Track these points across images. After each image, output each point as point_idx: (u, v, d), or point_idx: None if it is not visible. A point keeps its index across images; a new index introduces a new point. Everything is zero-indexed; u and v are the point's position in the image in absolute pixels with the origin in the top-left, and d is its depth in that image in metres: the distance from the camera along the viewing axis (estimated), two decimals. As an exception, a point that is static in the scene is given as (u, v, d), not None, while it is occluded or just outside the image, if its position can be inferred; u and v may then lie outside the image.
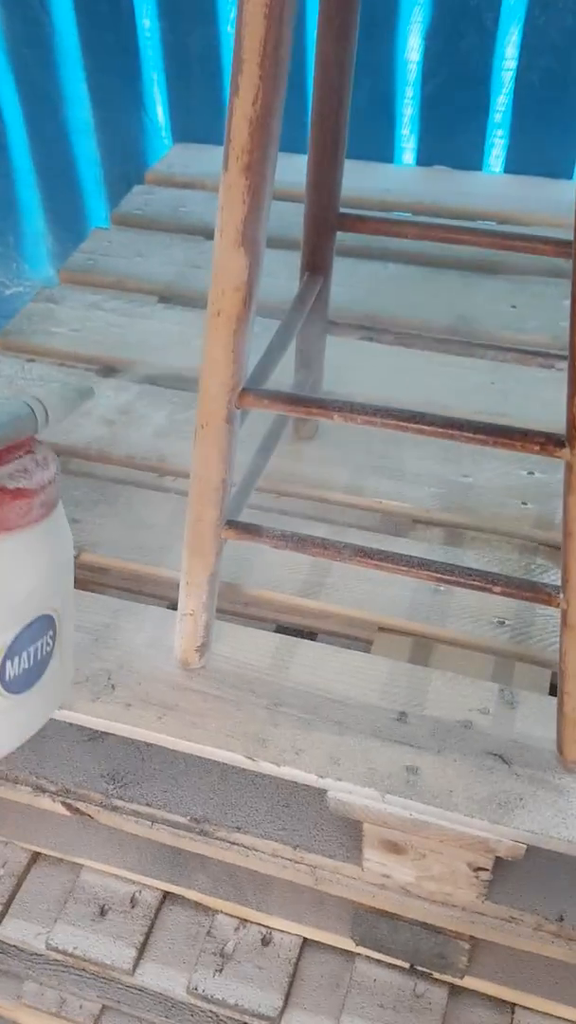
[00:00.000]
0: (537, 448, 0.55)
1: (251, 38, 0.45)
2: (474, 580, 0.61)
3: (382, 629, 0.80)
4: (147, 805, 0.79)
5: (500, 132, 1.34)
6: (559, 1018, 0.79)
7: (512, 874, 0.73)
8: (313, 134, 0.71)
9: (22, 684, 0.60)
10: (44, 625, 0.60)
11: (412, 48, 1.28)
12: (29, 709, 0.63)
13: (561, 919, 0.72)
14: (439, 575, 0.62)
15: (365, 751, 0.70)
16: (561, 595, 0.60)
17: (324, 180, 0.73)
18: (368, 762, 0.69)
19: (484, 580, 0.62)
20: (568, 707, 0.65)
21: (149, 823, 0.79)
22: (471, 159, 1.38)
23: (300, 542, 0.64)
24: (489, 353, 0.80)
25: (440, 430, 0.57)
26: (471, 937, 0.77)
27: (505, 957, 0.79)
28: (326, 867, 0.76)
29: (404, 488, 0.91)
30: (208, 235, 1.29)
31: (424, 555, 0.83)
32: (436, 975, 0.82)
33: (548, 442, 0.54)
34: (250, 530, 0.65)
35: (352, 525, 0.89)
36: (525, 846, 0.66)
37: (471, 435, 0.57)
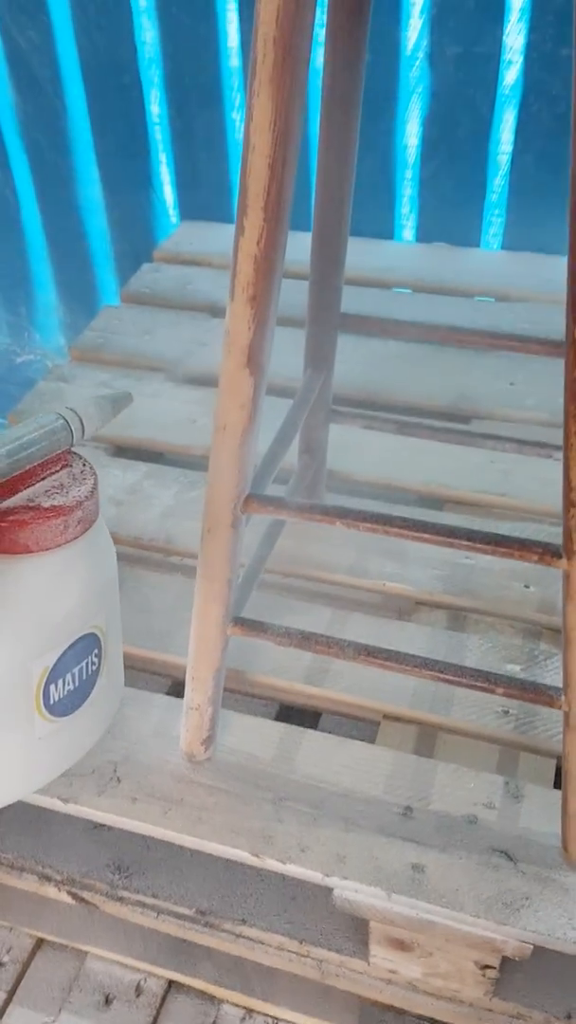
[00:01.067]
0: (535, 558, 0.56)
1: (255, 184, 0.47)
2: (478, 681, 0.62)
3: (387, 716, 0.81)
4: (152, 896, 0.79)
5: (497, 211, 1.37)
6: None
7: (520, 970, 0.73)
8: (315, 237, 0.73)
9: (68, 706, 0.59)
10: (89, 644, 0.58)
11: (411, 133, 1.32)
12: (77, 730, 0.62)
13: (569, 1017, 0.71)
14: (442, 675, 0.63)
15: (371, 848, 0.70)
16: (563, 697, 0.61)
17: (327, 281, 0.75)
18: (374, 860, 0.69)
19: (487, 681, 0.62)
20: (572, 807, 0.65)
21: (155, 914, 0.79)
22: (470, 236, 1.41)
23: (304, 639, 0.65)
24: (488, 443, 0.82)
25: (440, 538, 0.58)
26: (479, 1033, 0.76)
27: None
28: (332, 961, 0.76)
29: (407, 570, 0.92)
30: (214, 312, 1.32)
31: (428, 640, 0.85)
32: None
33: (546, 552, 0.56)
34: (255, 627, 0.66)
35: (356, 606, 0.90)
36: (531, 946, 0.66)
37: (469, 543, 0.58)
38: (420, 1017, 0.77)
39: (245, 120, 0.47)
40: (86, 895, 0.81)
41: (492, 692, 0.62)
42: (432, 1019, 0.76)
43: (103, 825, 0.82)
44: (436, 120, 1.31)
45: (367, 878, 0.68)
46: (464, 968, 0.70)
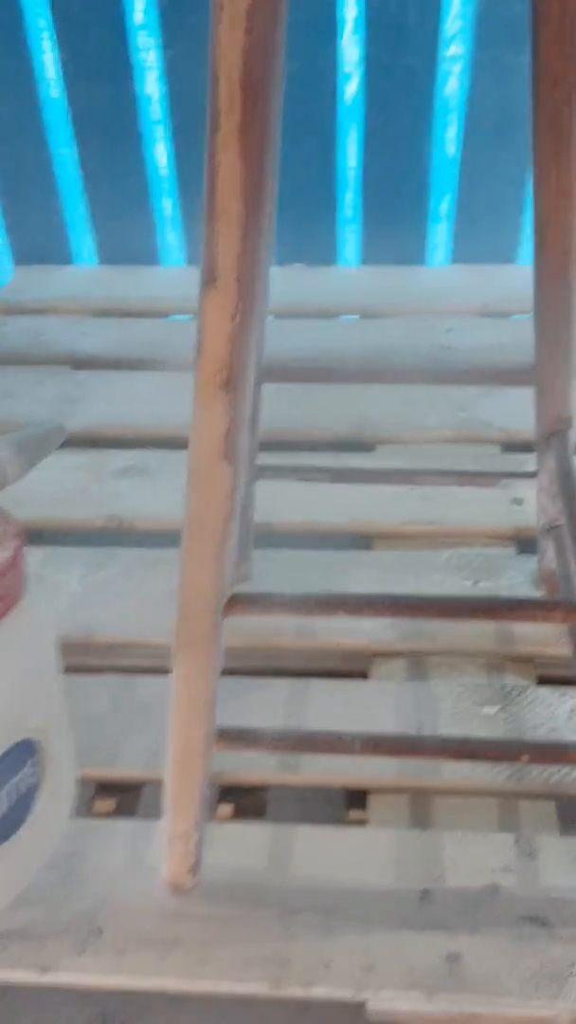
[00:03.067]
0: (560, 618, 0.51)
1: (226, 254, 0.40)
2: (502, 752, 0.57)
3: (375, 791, 0.74)
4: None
5: (352, 227, 1.34)
6: None
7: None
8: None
9: (7, 827, 0.49)
10: (22, 753, 0.48)
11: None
12: (15, 858, 0.51)
13: (621, 1073, 0.67)
14: (462, 753, 0.57)
15: (398, 947, 0.63)
16: (592, 755, 0.57)
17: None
18: (404, 959, 0.63)
19: (512, 751, 0.57)
20: (607, 862, 0.61)
21: (154, 1062, 0.70)
22: (327, 254, 1.37)
23: (303, 741, 0.58)
24: (430, 479, 0.77)
25: (459, 614, 0.53)
26: None
27: None
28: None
29: (356, 621, 0.86)
30: (76, 363, 1.22)
31: (395, 697, 0.80)
32: None
33: (571, 610, 0.51)
34: (244, 738, 0.59)
35: (312, 672, 0.84)
36: (588, 1020, 0.61)
37: (490, 613, 0.52)
38: None
39: (208, 177, 0.39)
40: (71, 1059, 0.70)
41: (519, 761, 0.57)
42: None
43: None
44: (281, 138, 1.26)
45: (402, 982, 0.62)
46: (512, 1052, 0.65)
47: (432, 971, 0.62)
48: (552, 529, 0.80)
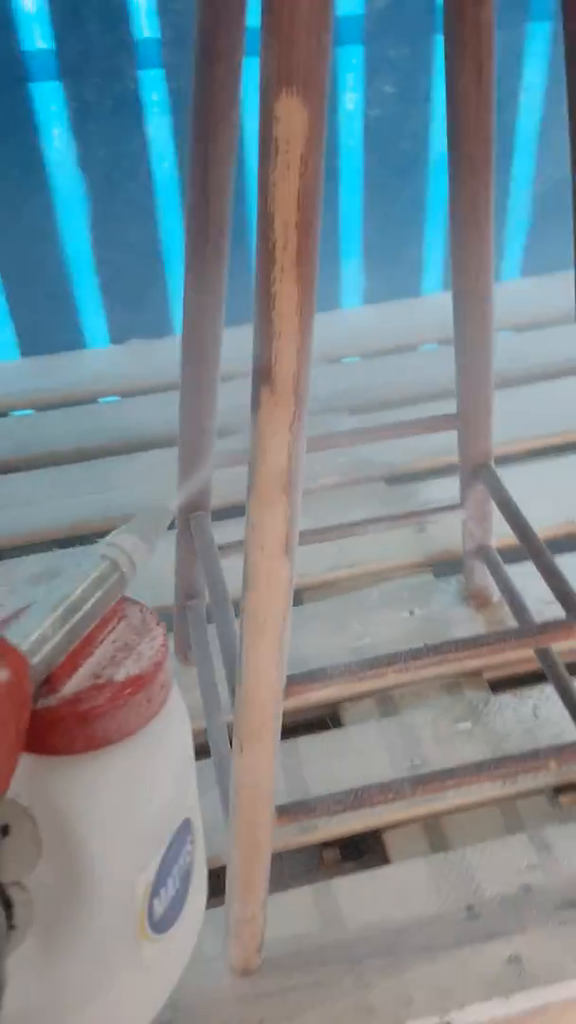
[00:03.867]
0: (534, 643, 0.58)
1: (284, 371, 0.43)
2: (531, 764, 0.63)
3: (387, 829, 0.78)
4: None
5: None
6: None
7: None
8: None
9: (171, 917, 0.46)
10: (183, 833, 0.46)
11: (85, 240, 1.29)
12: (179, 942, 0.48)
13: None
14: (496, 772, 0.63)
15: (464, 965, 0.68)
16: (607, 744, 0.64)
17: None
18: (473, 973, 0.67)
19: (536, 760, 0.63)
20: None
21: None
22: (162, 327, 1.41)
23: (359, 798, 0.61)
24: (362, 528, 0.82)
25: (468, 652, 0.58)
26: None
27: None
28: None
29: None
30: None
31: (379, 736, 0.84)
32: None
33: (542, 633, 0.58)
34: (304, 811, 0.61)
35: (289, 728, 0.86)
36: None
37: (510, 643, 0.58)
38: None
39: (263, 302, 0.43)
40: None
41: (546, 768, 0.63)
42: None
43: None
44: (103, 222, 1.29)
45: (479, 995, 0.66)
46: (575, 1029, 0.71)
47: (500, 977, 0.67)
48: (480, 550, 0.87)
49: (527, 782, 0.80)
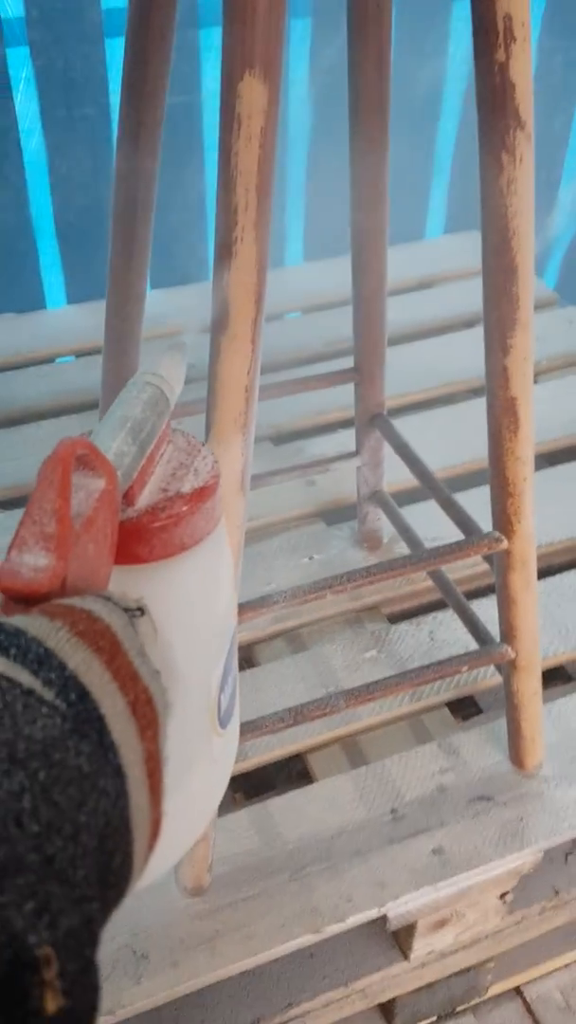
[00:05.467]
0: (486, 549, 0.66)
1: (242, 312, 0.48)
2: (446, 670, 0.71)
3: (310, 751, 0.85)
4: (196, 1045, 0.75)
5: (56, 271, 1.39)
6: (555, 971, 0.93)
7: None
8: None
9: (230, 713, 0.49)
10: (232, 648, 0.49)
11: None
12: (233, 738, 0.51)
13: (557, 893, 0.85)
14: (415, 681, 0.70)
15: (394, 861, 0.76)
16: (507, 647, 0.73)
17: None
18: (403, 867, 0.75)
19: (451, 667, 0.71)
20: (524, 731, 0.78)
21: (202, 1061, 0.76)
22: (34, 301, 1.41)
23: (299, 714, 0.68)
24: (265, 480, 0.88)
25: (394, 572, 0.65)
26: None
27: (510, 953, 0.91)
28: (375, 982, 0.80)
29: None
30: None
31: (296, 669, 0.91)
32: (463, 1007, 0.91)
33: (491, 541, 0.66)
34: (252, 728, 0.67)
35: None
36: (543, 853, 0.78)
37: (424, 563, 0.66)
38: (447, 977, 0.86)
39: (223, 259, 0.47)
40: None
41: (460, 672, 0.71)
42: (456, 972, 0.86)
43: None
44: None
45: (410, 885, 0.74)
46: (489, 906, 0.80)
47: (427, 867, 0.75)
48: (375, 494, 0.95)
49: (429, 697, 0.88)
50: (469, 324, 1.40)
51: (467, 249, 1.53)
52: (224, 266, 0.48)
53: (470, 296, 1.42)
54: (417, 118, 1.43)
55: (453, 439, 1.13)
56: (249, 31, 0.42)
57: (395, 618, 0.99)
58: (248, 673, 0.91)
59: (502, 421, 0.61)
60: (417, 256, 1.53)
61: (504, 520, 0.66)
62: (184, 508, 0.41)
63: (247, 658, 0.95)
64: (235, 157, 0.45)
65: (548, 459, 1.19)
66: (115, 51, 1.24)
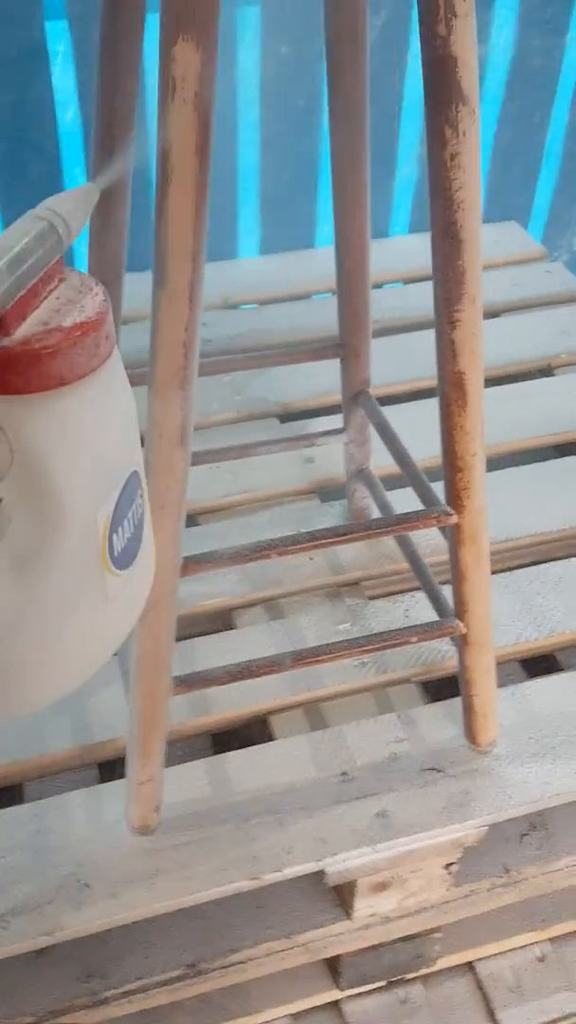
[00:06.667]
0: (435, 522, 0.68)
1: (178, 278, 0.51)
2: (396, 639, 0.73)
3: (271, 713, 0.88)
4: (138, 979, 0.79)
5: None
6: (509, 951, 0.95)
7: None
8: None
9: (129, 555, 0.50)
10: (134, 484, 0.50)
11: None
12: (136, 583, 0.53)
13: (507, 871, 0.87)
14: (366, 647, 0.73)
15: (338, 819, 0.78)
16: (458, 622, 0.74)
17: None
18: (346, 826, 0.78)
19: (401, 636, 0.73)
20: (476, 706, 0.80)
21: (143, 994, 0.79)
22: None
23: (246, 670, 0.70)
24: (251, 451, 0.91)
25: (358, 535, 0.67)
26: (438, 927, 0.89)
27: (460, 928, 0.93)
28: (318, 937, 0.83)
29: (212, 586, 0.98)
30: None
31: (269, 636, 0.94)
32: (411, 975, 0.93)
33: (441, 515, 0.68)
34: (199, 680, 0.70)
35: (187, 636, 0.95)
36: (487, 827, 0.80)
37: (374, 531, 0.68)
38: (392, 942, 0.88)
39: (161, 221, 0.50)
40: (69, 1019, 0.78)
41: (410, 642, 0.73)
42: (402, 937, 0.88)
43: (43, 951, 0.79)
44: (6, 168, 1.32)
45: (351, 844, 0.76)
46: (433, 875, 0.82)
47: (369, 829, 0.78)
48: (360, 472, 0.97)
49: (396, 671, 0.91)
50: (495, 314, 1.42)
51: (501, 239, 1.54)
52: (160, 224, 0.50)
53: (498, 286, 1.43)
54: (383, 119, 1.45)
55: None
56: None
57: (376, 596, 1.01)
58: (224, 635, 0.94)
59: (450, 395, 0.63)
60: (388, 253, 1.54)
61: (454, 495, 0.67)
62: (61, 340, 0.41)
63: (226, 622, 0.98)
64: (170, 117, 0.47)
65: (559, 450, 1.20)
66: (152, 27, 1.27)
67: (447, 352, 0.61)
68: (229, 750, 0.87)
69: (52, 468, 0.42)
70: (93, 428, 0.45)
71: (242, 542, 1.04)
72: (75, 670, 0.49)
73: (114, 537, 0.48)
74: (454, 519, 0.68)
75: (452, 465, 0.66)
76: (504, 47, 1.41)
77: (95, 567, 0.47)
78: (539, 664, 0.98)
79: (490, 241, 1.53)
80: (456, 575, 0.72)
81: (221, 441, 1.17)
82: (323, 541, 0.67)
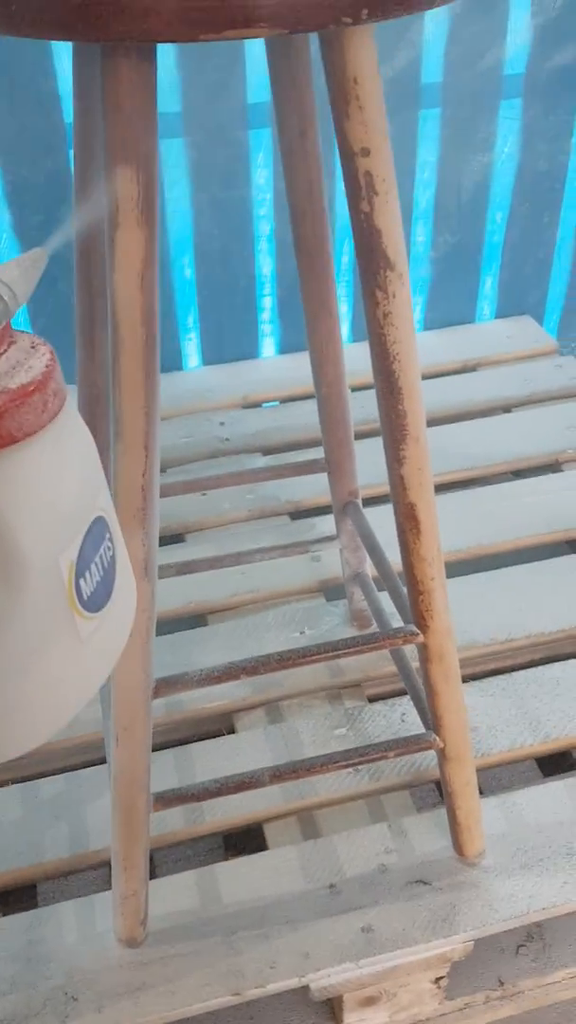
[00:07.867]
0: (400, 642, 0.70)
1: (133, 434, 0.55)
2: (374, 755, 0.74)
3: (266, 821, 0.89)
4: None
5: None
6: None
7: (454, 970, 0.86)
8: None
9: (101, 597, 0.52)
10: (100, 529, 0.52)
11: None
12: (113, 623, 0.55)
13: (501, 983, 0.86)
14: (348, 762, 0.74)
15: (322, 934, 0.79)
16: (435, 737, 0.76)
17: None
18: (330, 941, 0.78)
19: (381, 751, 0.75)
20: (460, 819, 0.80)
21: None
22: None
23: (226, 786, 0.72)
24: (257, 556, 0.94)
25: (306, 659, 0.70)
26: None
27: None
28: (310, 1053, 0.83)
29: (214, 688, 1.01)
30: None
31: (267, 740, 0.95)
32: None
33: (407, 635, 0.70)
34: (180, 797, 0.72)
35: (184, 735, 0.97)
36: (473, 942, 0.80)
37: (341, 652, 0.70)
38: (389, 1056, 0.87)
39: (115, 381, 0.55)
40: None
41: (388, 758, 0.74)
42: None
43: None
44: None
45: (334, 960, 0.77)
46: (422, 989, 0.82)
47: (354, 943, 0.78)
48: (356, 576, 0.99)
49: (389, 778, 0.91)
50: (506, 408, 1.44)
51: (514, 334, 1.57)
52: (115, 386, 0.55)
53: (510, 380, 1.46)
54: (466, 207, 1.49)
55: (463, 523, 1.17)
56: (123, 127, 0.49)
57: (374, 697, 1.02)
58: (224, 740, 0.97)
59: (405, 525, 0.65)
60: (466, 339, 1.58)
61: (418, 616, 0.69)
62: (7, 402, 0.44)
63: (228, 723, 1.00)
64: (120, 296, 0.52)
65: (573, 546, 1.21)
66: (258, 140, 1.36)
67: (398, 486, 0.63)
68: (229, 850, 0.89)
69: (8, 520, 0.45)
70: (48, 480, 0.47)
71: (247, 641, 1.08)
72: (54, 712, 0.51)
73: (81, 582, 0.50)
74: (420, 639, 0.70)
75: (413, 588, 0.68)
76: (510, 155, 1.45)
77: (62, 612, 0.49)
78: (525, 767, 0.98)
79: (503, 336, 1.56)
80: (428, 691, 0.74)
81: (233, 539, 1.21)
82: (289, 662, 0.69)
